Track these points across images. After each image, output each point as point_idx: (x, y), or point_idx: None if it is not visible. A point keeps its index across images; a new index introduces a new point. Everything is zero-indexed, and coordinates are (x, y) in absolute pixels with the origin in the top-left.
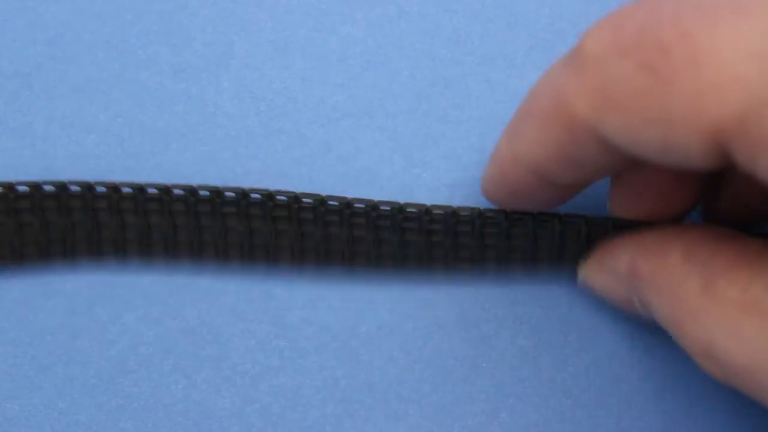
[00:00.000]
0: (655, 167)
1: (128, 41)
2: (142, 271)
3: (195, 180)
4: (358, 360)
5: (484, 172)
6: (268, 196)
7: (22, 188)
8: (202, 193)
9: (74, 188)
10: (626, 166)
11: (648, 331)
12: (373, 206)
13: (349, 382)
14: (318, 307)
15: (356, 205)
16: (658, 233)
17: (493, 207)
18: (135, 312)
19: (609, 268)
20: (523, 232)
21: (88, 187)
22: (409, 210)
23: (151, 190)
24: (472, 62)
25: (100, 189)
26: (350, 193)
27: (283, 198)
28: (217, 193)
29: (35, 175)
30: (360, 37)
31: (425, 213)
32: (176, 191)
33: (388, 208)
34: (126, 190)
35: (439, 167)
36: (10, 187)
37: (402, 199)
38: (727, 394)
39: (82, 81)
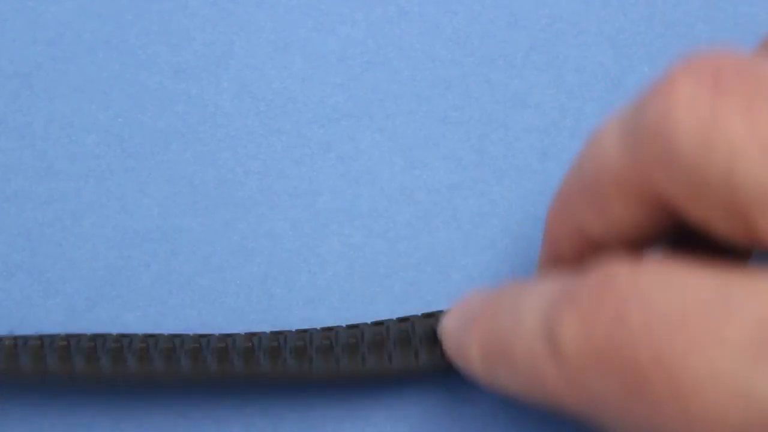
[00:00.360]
0: None
1: (128, 41)
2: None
3: (195, 180)
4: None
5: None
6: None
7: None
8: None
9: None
10: None
11: None
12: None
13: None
14: None
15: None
16: None
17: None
18: (135, 312)
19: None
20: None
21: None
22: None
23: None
24: (472, 63)
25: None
26: (350, 193)
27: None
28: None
29: (35, 174)
30: (360, 38)
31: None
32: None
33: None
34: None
35: (439, 168)
36: None
37: (401, 200)
38: None
39: (82, 81)
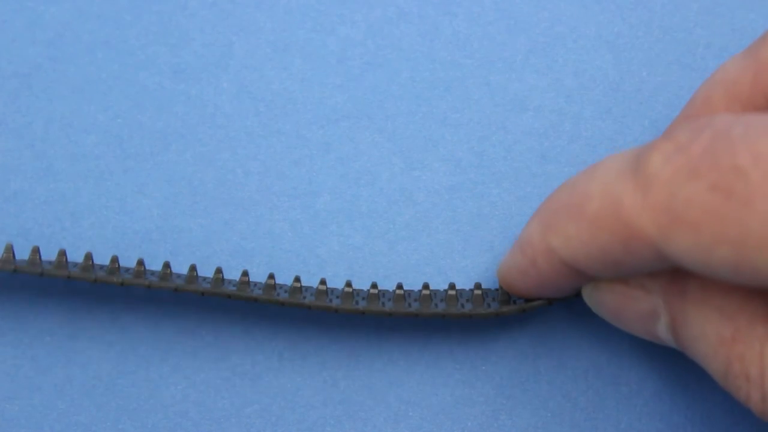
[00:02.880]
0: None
1: (128, 41)
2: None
3: (195, 180)
4: (357, 360)
5: (505, 259)
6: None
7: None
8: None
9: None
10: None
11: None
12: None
13: (349, 383)
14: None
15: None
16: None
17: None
18: (135, 312)
19: (628, 289)
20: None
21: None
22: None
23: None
24: (472, 65)
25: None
26: (349, 194)
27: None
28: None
29: (35, 174)
30: (359, 39)
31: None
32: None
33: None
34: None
35: (439, 170)
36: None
37: (401, 201)
38: (725, 395)
39: (82, 81)
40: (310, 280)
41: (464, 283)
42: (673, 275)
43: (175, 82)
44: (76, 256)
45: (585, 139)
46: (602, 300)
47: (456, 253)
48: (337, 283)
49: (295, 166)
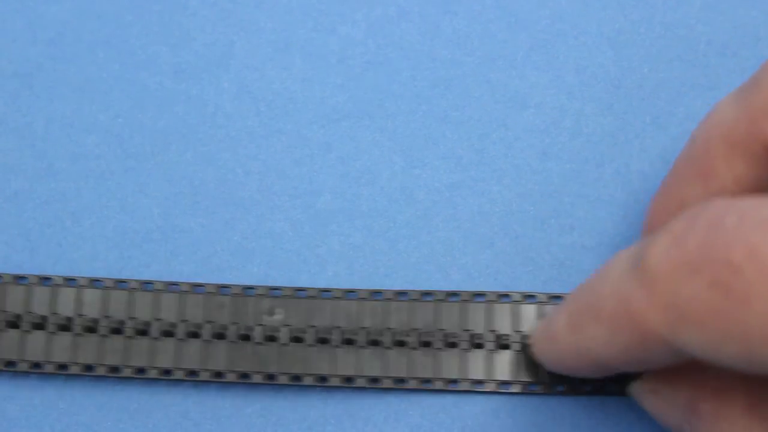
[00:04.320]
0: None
1: (128, 41)
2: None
3: (195, 180)
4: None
5: (538, 341)
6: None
7: None
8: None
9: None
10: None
11: None
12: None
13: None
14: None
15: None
16: (719, 372)
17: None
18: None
19: (665, 396)
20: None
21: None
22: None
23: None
24: (472, 63)
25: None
26: (350, 193)
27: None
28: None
29: (35, 174)
30: (360, 38)
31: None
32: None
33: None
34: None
35: (439, 168)
36: None
37: (402, 199)
38: None
39: (82, 81)
40: (311, 280)
41: (464, 282)
42: (694, 381)
43: (176, 82)
44: (76, 256)
45: (586, 135)
46: (645, 403)
47: (457, 250)
48: (337, 282)
49: (296, 166)
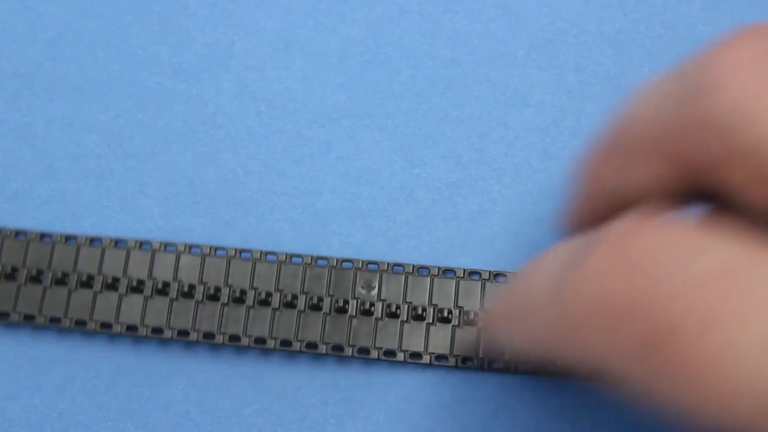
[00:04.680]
0: None
1: (128, 41)
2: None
3: (195, 180)
4: (358, 359)
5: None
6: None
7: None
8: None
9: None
10: None
11: None
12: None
13: (349, 382)
14: None
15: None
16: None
17: None
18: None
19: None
20: None
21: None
22: None
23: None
24: (472, 62)
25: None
26: (350, 192)
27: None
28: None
29: (35, 174)
30: (360, 37)
31: None
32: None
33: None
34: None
35: (439, 167)
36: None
37: (402, 199)
38: None
39: (82, 81)
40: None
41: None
42: None
43: (176, 82)
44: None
45: (586, 135)
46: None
47: (457, 250)
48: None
49: (296, 165)
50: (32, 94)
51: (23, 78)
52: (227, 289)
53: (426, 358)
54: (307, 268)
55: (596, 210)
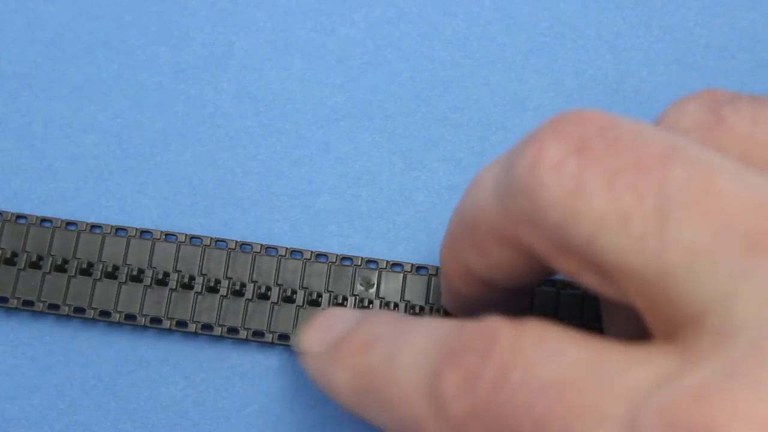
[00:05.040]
0: None
1: (128, 41)
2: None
3: (195, 180)
4: None
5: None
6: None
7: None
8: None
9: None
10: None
11: None
12: None
13: None
14: None
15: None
16: None
17: None
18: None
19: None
20: None
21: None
22: None
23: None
24: (471, 65)
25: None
26: (349, 194)
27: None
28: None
29: (35, 174)
30: (359, 39)
31: None
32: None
33: None
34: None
35: (438, 170)
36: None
37: (401, 201)
38: None
39: (81, 81)
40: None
41: None
42: None
43: (175, 82)
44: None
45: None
46: None
47: None
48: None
49: (295, 166)
50: (31, 94)
51: (22, 78)
52: (227, 282)
53: None
54: (307, 264)
55: (463, 287)
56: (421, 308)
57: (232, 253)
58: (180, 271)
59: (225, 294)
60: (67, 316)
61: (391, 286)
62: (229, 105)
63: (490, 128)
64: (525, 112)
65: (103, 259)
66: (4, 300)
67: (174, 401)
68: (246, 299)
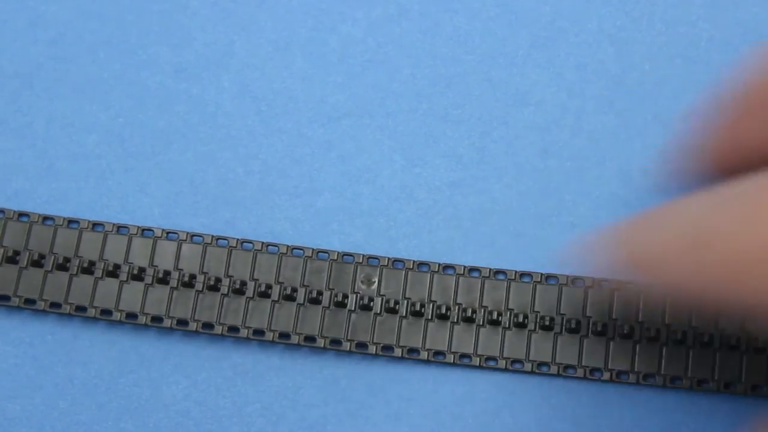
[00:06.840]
0: None
1: (129, 41)
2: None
3: (195, 180)
4: (358, 359)
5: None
6: None
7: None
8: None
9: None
10: None
11: None
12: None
13: (349, 382)
14: None
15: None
16: None
17: None
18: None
19: None
20: None
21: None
22: None
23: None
24: (473, 61)
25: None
26: (350, 192)
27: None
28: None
29: (35, 174)
30: (360, 36)
31: None
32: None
33: None
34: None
35: (440, 166)
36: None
37: (402, 198)
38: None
39: (82, 81)
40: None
41: None
42: None
43: (177, 81)
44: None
45: (587, 133)
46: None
47: (458, 249)
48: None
49: (296, 165)
50: (33, 94)
51: (24, 78)
52: (228, 280)
53: (424, 355)
54: (308, 261)
55: (723, 163)
56: (423, 305)
57: (233, 251)
58: (181, 270)
59: (226, 292)
60: (69, 314)
61: (392, 283)
62: (230, 104)
63: (492, 124)
64: (527, 107)
65: (104, 258)
66: (6, 298)
67: (175, 400)
68: (247, 297)
